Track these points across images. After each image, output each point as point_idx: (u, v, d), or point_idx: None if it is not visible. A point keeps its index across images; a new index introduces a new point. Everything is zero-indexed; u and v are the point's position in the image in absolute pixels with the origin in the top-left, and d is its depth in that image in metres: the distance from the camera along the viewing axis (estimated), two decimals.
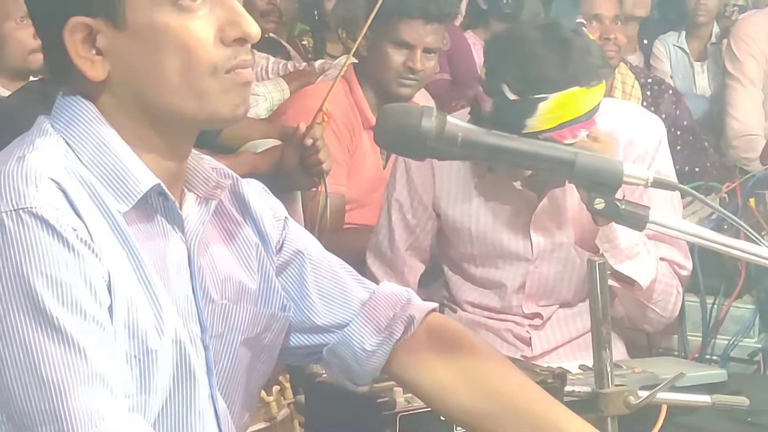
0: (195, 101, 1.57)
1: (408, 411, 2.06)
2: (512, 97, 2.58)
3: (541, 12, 4.21)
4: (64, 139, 1.58)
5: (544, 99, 2.56)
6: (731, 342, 3.14)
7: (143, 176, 1.58)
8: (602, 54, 2.71)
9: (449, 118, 1.61)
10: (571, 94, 2.57)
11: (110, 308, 1.52)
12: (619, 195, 1.63)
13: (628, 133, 2.86)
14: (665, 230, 1.66)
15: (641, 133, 2.87)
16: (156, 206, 1.62)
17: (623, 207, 1.64)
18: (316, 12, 6.11)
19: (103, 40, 1.55)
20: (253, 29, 1.58)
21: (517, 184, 2.82)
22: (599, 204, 1.63)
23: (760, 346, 3.14)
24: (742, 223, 1.72)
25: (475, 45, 5.42)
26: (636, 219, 1.65)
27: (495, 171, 2.82)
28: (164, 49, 1.54)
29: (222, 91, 1.57)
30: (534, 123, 2.56)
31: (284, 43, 4.79)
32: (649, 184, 1.65)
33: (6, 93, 3.84)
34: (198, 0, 1.55)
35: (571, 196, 2.80)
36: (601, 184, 1.63)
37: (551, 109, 2.56)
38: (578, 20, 2.75)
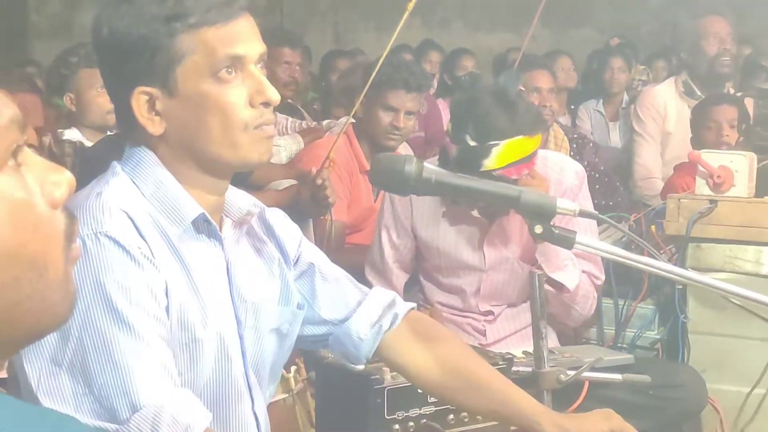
0: (230, 150, 1.55)
1: (394, 385, 2.06)
2: (472, 143, 2.58)
3: (513, 74, 4.21)
4: (131, 179, 1.57)
5: (496, 144, 2.56)
6: (637, 334, 3.13)
7: (191, 207, 1.57)
8: (539, 113, 2.73)
9: (426, 164, 1.61)
10: (517, 141, 2.57)
11: (167, 308, 1.51)
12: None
13: (556, 173, 2.86)
14: (588, 249, 1.65)
15: (566, 174, 2.88)
16: (201, 229, 1.60)
17: (556, 231, 1.63)
18: (323, 83, 6.12)
19: (160, 104, 1.54)
20: (275, 96, 1.57)
21: (474, 213, 2.82)
22: (538, 229, 1.62)
23: (658, 337, 3.13)
24: (646, 243, 1.73)
25: (444, 110, 5.43)
26: (566, 240, 1.64)
27: (457, 203, 2.82)
28: (207, 111, 1.54)
29: (251, 143, 1.56)
30: (488, 163, 2.56)
31: (299, 107, 4.78)
32: (576, 214, 1.65)
33: (89, 144, 3.83)
34: (233, 74, 1.54)
35: (515, 222, 2.80)
36: (539, 214, 1.62)
37: (502, 152, 2.56)
38: (519, 88, 2.75)
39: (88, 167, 2.76)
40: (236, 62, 1.53)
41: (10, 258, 0.85)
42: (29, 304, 0.87)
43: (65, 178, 0.91)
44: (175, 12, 1.51)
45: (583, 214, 1.67)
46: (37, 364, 1.42)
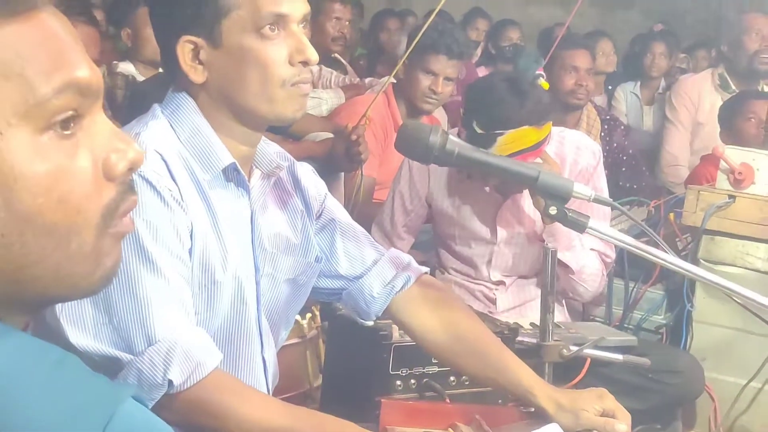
0: (267, 104, 1.56)
1: (401, 343, 2.06)
2: (479, 131, 2.55)
3: (533, 57, 4.15)
4: (169, 122, 1.58)
5: (501, 134, 2.52)
6: (644, 317, 3.12)
7: (224, 155, 1.58)
8: (551, 103, 2.67)
9: (450, 136, 1.60)
10: (522, 131, 2.53)
11: (190, 249, 1.52)
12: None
13: (573, 153, 2.83)
14: (598, 235, 1.65)
15: (582, 154, 2.84)
16: (231, 178, 1.61)
17: (570, 214, 1.63)
18: (372, 41, 6.08)
19: (204, 54, 1.54)
20: (314, 56, 1.56)
21: (488, 189, 2.81)
22: (553, 210, 1.62)
23: (664, 322, 3.12)
24: (656, 236, 1.71)
25: None
26: (578, 224, 1.64)
27: (472, 177, 2.79)
28: (248, 65, 1.54)
29: (287, 98, 1.56)
30: (493, 150, 2.51)
31: (345, 63, 4.75)
32: (591, 200, 1.64)
33: (141, 78, 3.85)
34: (275, 31, 1.54)
35: (527, 199, 2.78)
36: (555, 196, 1.62)
37: (506, 141, 2.52)
38: (538, 71, 2.69)
39: (137, 101, 2.77)
40: (279, 20, 1.53)
41: (22, 222, 0.80)
42: (38, 270, 0.82)
43: (129, 153, 0.86)
44: None
45: (597, 200, 1.66)
46: None
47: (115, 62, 4.02)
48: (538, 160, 2.58)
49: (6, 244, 0.80)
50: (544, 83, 3.16)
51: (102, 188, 0.85)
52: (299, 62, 1.55)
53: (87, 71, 0.84)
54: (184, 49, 1.54)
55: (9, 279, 0.82)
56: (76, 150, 0.83)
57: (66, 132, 0.82)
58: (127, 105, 3.36)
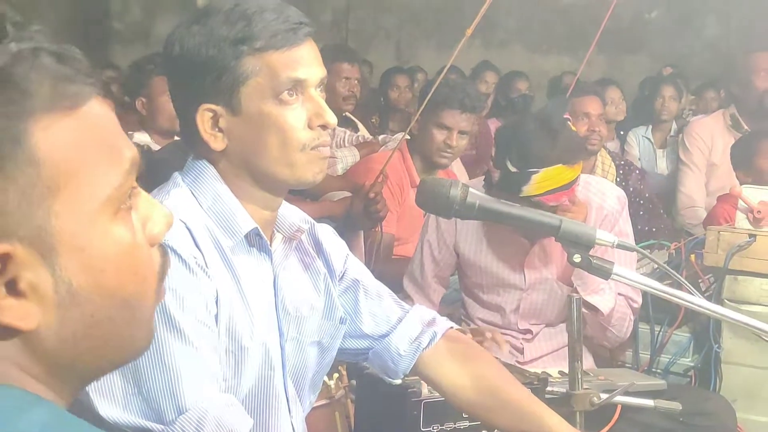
0: (287, 169, 1.56)
1: (430, 399, 2.05)
2: (513, 169, 2.56)
3: (562, 100, 4.18)
4: (191, 190, 1.59)
5: (536, 172, 2.53)
6: (671, 360, 3.09)
7: (245, 221, 1.58)
8: (581, 142, 2.69)
9: (470, 189, 1.60)
10: (556, 169, 2.54)
11: (216, 316, 1.52)
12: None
13: (598, 198, 2.84)
14: (623, 280, 1.64)
15: (608, 200, 2.85)
16: (253, 243, 1.61)
17: (594, 261, 1.62)
18: (382, 99, 6.13)
19: (223, 122, 1.55)
20: (332, 120, 1.57)
21: (516, 234, 2.80)
22: (577, 258, 1.61)
23: (692, 364, 3.09)
24: (680, 277, 1.70)
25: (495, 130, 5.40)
26: (603, 271, 1.62)
27: (499, 224, 2.79)
28: (267, 130, 1.54)
29: (307, 163, 1.57)
30: (528, 189, 2.54)
31: (356, 121, 4.79)
32: (614, 246, 1.63)
33: (156, 147, 3.88)
34: (293, 96, 1.55)
35: (555, 244, 2.76)
36: (578, 244, 1.61)
37: (541, 179, 2.53)
38: (565, 116, 2.69)
39: (153, 170, 2.78)
40: (297, 85, 1.54)
41: (108, 298, 0.84)
42: (118, 341, 0.87)
43: (165, 217, 0.91)
44: (243, 35, 1.52)
45: (621, 246, 1.65)
46: None
47: (130, 132, 4.06)
48: (564, 200, 2.58)
49: (96, 323, 0.84)
50: (572, 126, 3.18)
51: (151, 255, 0.89)
52: (318, 126, 1.56)
53: (134, 148, 0.88)
54: (203, 117, 1.55)
55: (94, 355, 0.86)
56: (133, 223, 0.87)
57: (130, 204, 0.87)
58: (144, 174, 3.37)
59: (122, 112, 4.21)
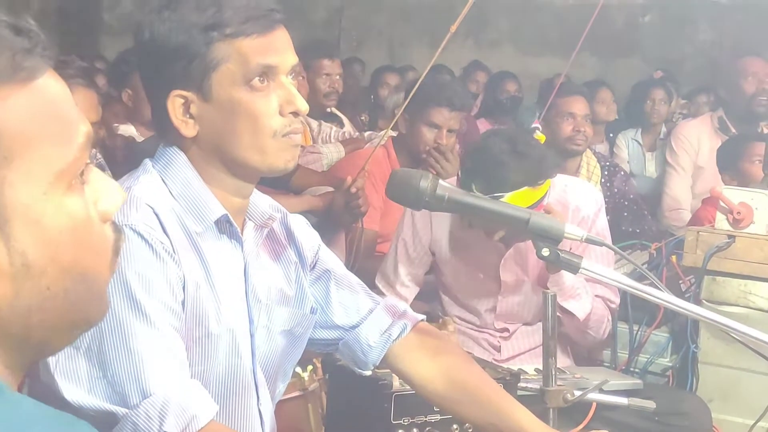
0: (258, 155, 1.56)
1: (401, 392, 2.05)
2: (478, 194, 2.56)
3: (531, 111, 4.17)
4: (161, 176, 1.59)
5: (501, 196, 2.53)
6: (649, 360, 3.10)
7: (215, 208, 1.58)
8: (547, 160, 2.66)
9: (440, 181, 1.61)
10: (521, 192, 2.54)
11: (183, 301, 1.53)
12: (566, 248, 1.63)
13: (575, 201, 2.85)
14: (592, 275, 1.65)
15: (585, 202, 2.86)
16: (223, 230, 1.62)
17: (563, 255, 1.63)
18: (372, 97, 6.14)
19: (194, 108, 1.55)
20: (303, 106, 1.58)
21: (495, 237, 2.80)
22: (545, 251, 1.62)
23: (671, 364, 3.10)
24: (652, 275, 1.71)
25: (484, 129, 5.40)
26: (571, 265, 1.63)
27: (474, 226, 2.79)
28: (238, 117, 1.55)
29: (278, 149, 1.57)
30: None
31: (341, 115, 4.80)
32: (583, 240, 1.64)
33: (141, 139, 3.89)
34: (264, 82, 1.55)
35: (531, 246, 2.77)
36: (547, 237, 1.62)
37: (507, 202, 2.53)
38: (534, 125, 2.69)
39: (137, 161, 2.80)
40: (269, 72, 1.55)
41: (64, 272, 0.85)
42: (72, 314, 0.88)
43: (118, 193, 0.92)
44: (214, 21, 1.52)
45: (590, 240, 1.66)
46: None
47: (115, 125, 4.06)
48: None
49: (52, 296, 0.85)
50: (540, 136, 3.17)
51: (104, 230, 0.91)
52: (289, 113, 1.56)
53: (88, 124, 0.89)
54: (174, 103, 1.55)
55: (47, 327, 0.87)
56: (85, 198, 0.89)
57: (83, 179, 0.88)
58: (126, 164, 3.38)
59: (108, 104, 4.21)
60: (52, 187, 0.84)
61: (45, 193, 0.83)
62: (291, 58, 1.58)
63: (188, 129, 1.56)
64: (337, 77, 4.51)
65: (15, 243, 0.82)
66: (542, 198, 2.59)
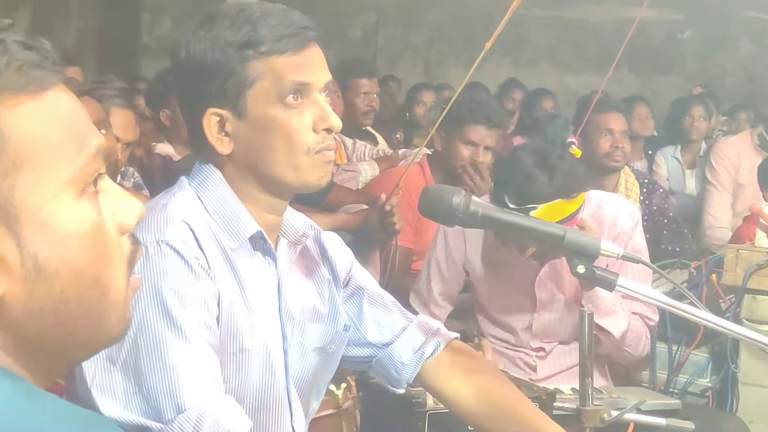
0: (292, 171, 1.58)
1: (435, 410, 2.05)
2: (511, 206, 2.54)
3: (562, 125, 4.16)
4: (196, 194, 1.61)
5: (534, 208, 2.52)
6: (689, 380, 3.07)
7: (250, 225, 1.60)
8: (583, 172, 2.65)
9: (473, 198, 1.61)
10: (554, 204, 2.53)
11: (217, 317, 1.54)
12: (603, 265, 1.62)
13: (611, 216, 2.83)
14: (628, 292, 1.64)
15: (621, 217, 2.84)
16: (258, 246, 1.63)
17: (599, 272, 1.62)
18: (407, 114, 6.16)
19: (229, 126, 1.57)
20: (336, 123, 1.60)
21: (527, 254, 2.79)
22: (581, 268, 1.62)
23: (710, 385, 3.07)
24: (690, 294, 1.70)
25: None
26: (607, 282, 1.63)
27: (507, 245, 2.77)
28: (273, 134, 1.57)
29: (312, 166, 1.58)
30: None
31: (375, 133, 4.82)
32: (619, 257, 1.64)
33: (178, 158, 3.93)
34: (299, 100, 1.57)
35: (565, 265, 2.76)
36: (582, 254, 1.62)
37: (539, 215, 2.50)
38: (569, 140, 2.68)
39: (174, 180, 2.83)
40: (302, 89, 1.57)
41: (77, 276, 0.88)
42: (88, 321, 0.90)
43: (136, 207, 0.95)
44: (249, 40, 1.55)
45: (626, 257, 1.66)
46: (93, 360, 1.46)
47: (153, 143, 4.11)
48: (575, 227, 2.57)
49: (65, 299, 0.88)
50: (576, 150, 3.16)
51: (120, 240, 0.93)
52: (323, 129, 1.58)
53: (101, 137, 0.93)
54: (210, 121, 1.58)
55: (63, 332, 0.89)
56: (100, 206, 0.91)
57: (97, 188, 0.91)
58: (164, 183, 3.42)
59: (145, 123, 4.27)
60: (62, 192, 0.87)
61: (54, 197, 0.87)
62: (324, 76, 1.60)
63: (223, 146, 1.59)
64: (375, 96, 4.54)
65: (26, 244, 0.85)
66: (576, 211, 2.58)
